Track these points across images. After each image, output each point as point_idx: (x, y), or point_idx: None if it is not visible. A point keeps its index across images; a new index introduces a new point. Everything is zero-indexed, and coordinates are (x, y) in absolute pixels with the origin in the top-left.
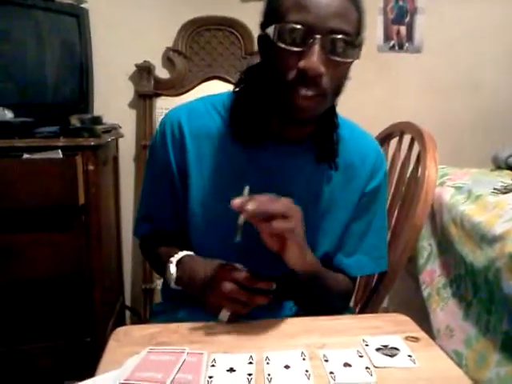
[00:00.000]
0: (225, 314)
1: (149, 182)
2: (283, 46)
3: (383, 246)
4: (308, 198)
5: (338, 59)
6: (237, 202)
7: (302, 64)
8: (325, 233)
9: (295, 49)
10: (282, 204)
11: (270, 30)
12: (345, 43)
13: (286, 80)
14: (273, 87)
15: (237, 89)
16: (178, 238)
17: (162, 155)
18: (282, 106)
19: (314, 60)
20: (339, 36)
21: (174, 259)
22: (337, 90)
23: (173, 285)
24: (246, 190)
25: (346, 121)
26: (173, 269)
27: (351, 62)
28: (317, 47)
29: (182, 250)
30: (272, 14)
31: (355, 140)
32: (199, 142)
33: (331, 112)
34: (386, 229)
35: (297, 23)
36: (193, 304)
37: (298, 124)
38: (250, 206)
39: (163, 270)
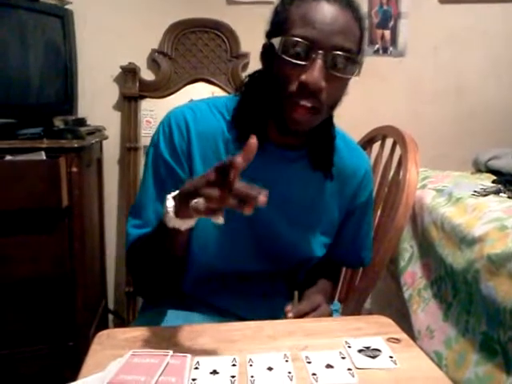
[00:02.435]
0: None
1: (152, 185)
2: (287, 58)
3: (371, 243)
4: (304, 201)
5: (338, 75)
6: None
7: (303, 77)
8: (320, 233)
9: (298, 62)
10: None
11: (276, 41)
12: (346, 60)
13: (286, 91)
14: (272, 96)
15: (238, 93)
16: None
17: (168, 155)
18: (279, 116)
19: (316, 75)
20: (341, 53)
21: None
22: (333, 104)
23: (172, 220)
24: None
25: (341, 132)
26: (170, 202)
27: (350, 79)
28: (319, 62)
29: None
30: (278, 25)
31: (349, 151)
32: (204, 143)
33: (328, 123)
34: (372, 231)
35: (301, 38)
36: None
37: (293, 135)
38: (292, 315)
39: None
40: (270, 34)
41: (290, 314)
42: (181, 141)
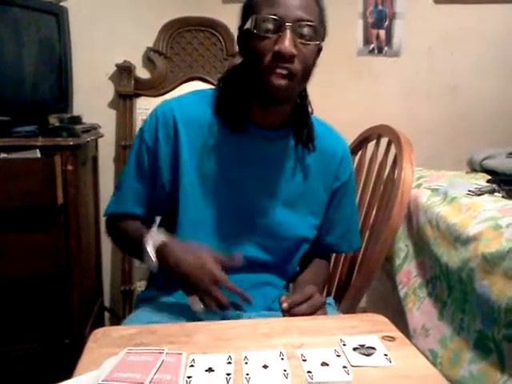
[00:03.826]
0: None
1: (130, 165)
2: (261, 33)
3: (357, 227)
4: (288, 180)
5: (305, 42)
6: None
7: (277, 47)
8: (308, 213)
9: (270, 35)
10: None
11: (248, 23)
12: (310, 29)
13: (263, 63)
14: (252, 72)
15: (220, 83)
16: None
17: (150, 143)
18: (261, 88)
19: (287, 43)
20: (305, 23)
21: (150, 247)
22: (305, 73)
23: (154, 269)
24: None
25: (321, 120)
26: (153, 256)
27: (317, 47)
28: (288, 32)
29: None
30: (248, 11)
31: (327, 134)
32: (191, 130)
33: (304, 103)
34: (357, 215)
35: (270, 14)
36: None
37: (275, 104)
38: (286, 305)
39: (132, 248)
40: (242, 25)
41: (284, 305)
42: (167, 129)
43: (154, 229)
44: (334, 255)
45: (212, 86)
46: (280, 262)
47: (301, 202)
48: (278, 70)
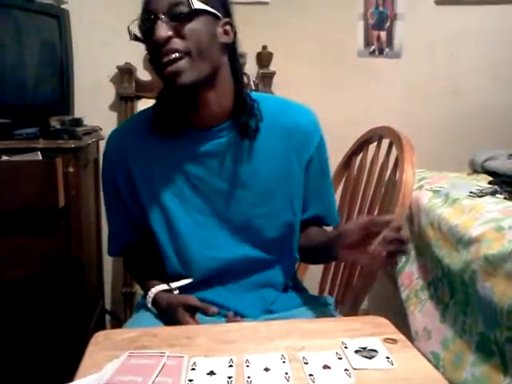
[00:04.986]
0: None
1: (106, 206)
2: (141, 33)
3: (334, 199)
4: (257, 169)
5: (179, 22)
6: None
7: (152, 37)
8: (288, 194)
9: (152, 27)
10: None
11: (135, 30)
12: (181, 6)
13: (153, 61)
14: (157, 74)
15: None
16: (146, 246)
17: (110, 180)
18: (166, 84)
19: (158, 31)
20: (174, 7)
21: (150, 298)
22: (200, 48)
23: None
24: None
25: (277, 97)
26: (150, 304)
27: (207, 19)
28: (159, 22)
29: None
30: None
31: (285, 109)
32: (141, 155)
33: (240, 92)
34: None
35: (144, 13)
36: None
37: (186, 93)
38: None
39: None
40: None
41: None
42: (119, 163)
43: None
44: None
45: None
46: (275, 255)
47: (278, 187)
48: (165, 59)
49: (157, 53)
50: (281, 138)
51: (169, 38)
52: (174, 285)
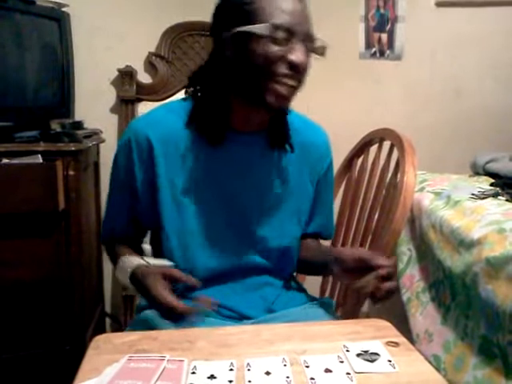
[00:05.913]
0: None
1: (111, 193)
2: (276, 40)
3: (333, 215)
4: (273, 180)
5: (309, 56)
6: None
7: (293, 57)
8: (297, 209)
9: (283, 44)
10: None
11: (259, 28)
12: (313, 44)
13: (273, 70)
14: (251, 77)
15: (189, 93)
16: (133, 241)
17: (126, 171)
18: (261, 93)
19: (302, 56)
20: (311, 38)
21: (123, 267)
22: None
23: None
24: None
25: (296, 112)
26: (127, 281)
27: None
28: (301, 45)
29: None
30: (249, 15)
31: (305, 127)
32: (167, 148)
33: None
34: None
35: (284, 24)
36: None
37: (270, 112)
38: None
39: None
40: (232, 24)
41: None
42: (141, 157)
43: (125, 259)
44: None
45: None
46: (277, 264)
47: (290, 201)
48: (289, 81)
49: (283, 65)
50: (298, 152)
51: (305, 69)
52: (150, 260)
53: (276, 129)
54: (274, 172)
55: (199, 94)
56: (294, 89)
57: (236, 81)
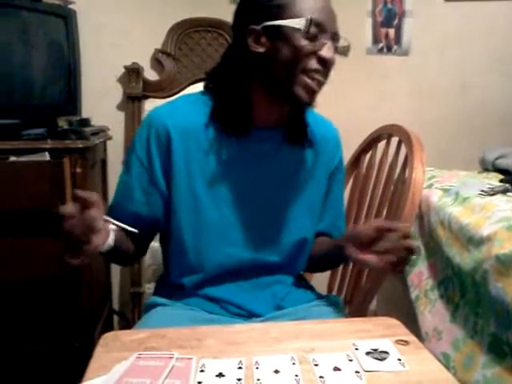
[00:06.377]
0: None
1: (123, 179)
2: (310, 35)
3: (344, 211)
4: (289, 175)
5: (336, 54)
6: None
7: (323, 53)
8: (311, 206)
9: (315, 40)
10: None
11: (297, 23)
12: (338, 43)
13: (305, 64)
14: (281, 70)
15: (209, 86)
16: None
17: (143, 156)
18: (291, 89)
19: (331, 53)
20: (338, 36)
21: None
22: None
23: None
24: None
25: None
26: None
27: None
28: (331, 42)
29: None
30: (281, 8)
31: (316, 123)
32: (186, 140)
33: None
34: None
35: (318, 20)
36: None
37: (295, 105)
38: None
39: None
40: (261, 18)
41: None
42: (160, 146)
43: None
44: None
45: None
46: (288, 261)
47: (304, 196)
48: (319, 76)
49: (314, 60)
50: (313, 148)
51: (333, 65)
52: (114, 220)
53: (294, 124)
54: (290, 167)
55: (220, 90)
56: (321, 84)
57: (265, 74)
